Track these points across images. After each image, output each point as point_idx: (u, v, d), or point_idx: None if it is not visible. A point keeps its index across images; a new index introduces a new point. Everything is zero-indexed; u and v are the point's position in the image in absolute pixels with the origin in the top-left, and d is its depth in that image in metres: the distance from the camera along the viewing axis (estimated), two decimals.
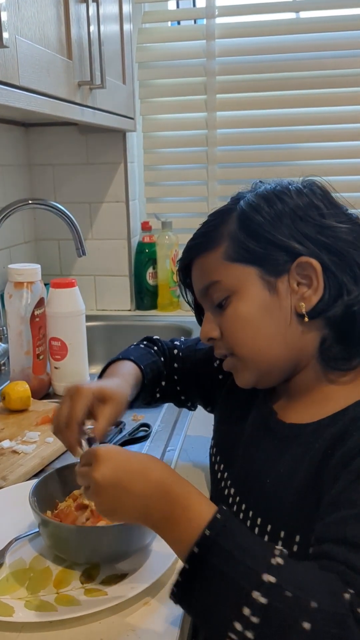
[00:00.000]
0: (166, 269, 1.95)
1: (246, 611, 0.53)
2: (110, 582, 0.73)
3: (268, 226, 0.72)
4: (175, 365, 1.00)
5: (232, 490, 0.79)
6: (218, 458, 0.87)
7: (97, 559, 0.75)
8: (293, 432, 0.74)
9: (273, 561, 0.55)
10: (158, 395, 1.00)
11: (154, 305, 2.00)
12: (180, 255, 1.98)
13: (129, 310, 2.00)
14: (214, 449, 0.89)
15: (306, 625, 0.51)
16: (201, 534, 0.57)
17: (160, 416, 1.22)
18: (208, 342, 0.79)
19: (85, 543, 0.74)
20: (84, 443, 0.78)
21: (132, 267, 1.98)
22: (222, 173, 2.00)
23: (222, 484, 0.83)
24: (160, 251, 1.95)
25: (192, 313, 2.02)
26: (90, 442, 0.78)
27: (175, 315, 1.94)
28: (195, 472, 0.98)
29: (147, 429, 1.16)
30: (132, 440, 1.12)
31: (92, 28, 1.30)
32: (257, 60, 1.89)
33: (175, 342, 1.04)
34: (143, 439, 1.13)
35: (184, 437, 1.12)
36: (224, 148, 1.98)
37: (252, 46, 1.88)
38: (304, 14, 1.88)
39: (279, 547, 0.58)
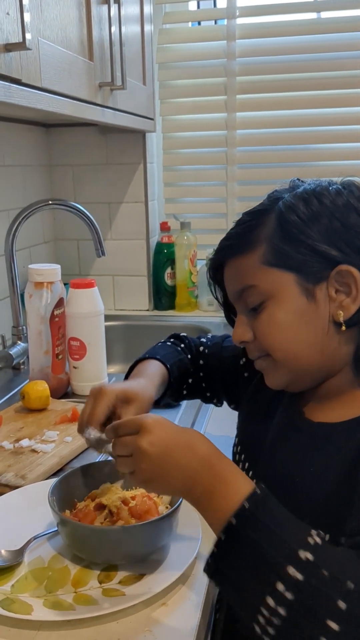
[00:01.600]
0: (184, 270, 1.95)
1: (280, 587, 0.53)
2: (128, 582, 0.73)
3: (306, 231, 0.70)
4: (201, 362, 1.00)
5: None
6: (243, 456, 0.86)
7: (115, 559, 0.76)
8: (323, 431, 0.73)
9: (310, 540, 0.55)
10: (185, 392, 1.01)
11: (171, 306, 2.01)
12: (198, 255, 1.98)
13: (147, 310, 2.00)
14: (238, 447, 0.88)
15: (341, 605, 0.51)
16: (240, 506, 0.57)
17: (178, 416, 1.22)
18: (240, 344, 0.79)
19: (104, 543, 0.74)
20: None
21: (150, 267, 1.99)
22: (242, 174, 1.99)
23: None
24: (178, 251, 1.95)
25: (210, 313, 2.01)
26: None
27: (193, 316, 1.94)
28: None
29: None
30: None
31: (113, 29, 1.31)
32: (277, 60, 1.88)
33: (202, 339, 1.04)
34: None
35: None
36: (243, 149, 1.98)
37: (273, 46, 1.88)
38: (325, 14, 1.88)
39: (314, 530, 0.58)
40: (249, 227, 0.75)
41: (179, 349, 1.01)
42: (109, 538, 0.74)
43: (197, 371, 1.00)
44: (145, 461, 0.64)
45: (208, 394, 1.02)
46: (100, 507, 0.80)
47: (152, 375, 0.92)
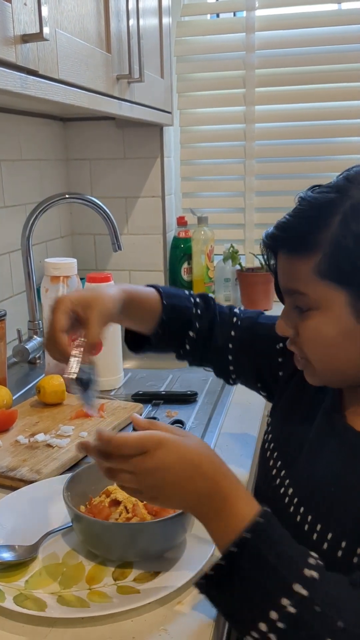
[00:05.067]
0: (201, 265, 1.94)
1: (273, 615, 0.56)
2: (143, 579, 0.72)
3: None
4: (233, 333, 0.96)
5: (290, 491, 0.77)
6: (275, 454, 0.83)
7: (130, 556, 0.75)
8: None
9: (307, 573, 0.57)
10: (188, 347, 0.97)
11: None
12: (215, 250, 1.96)
13: None
14: (271, 444, 0.85)
15: None
16: (240, 535, 0.58)
17: (194, 413, 1.22)
18: (282, 335, 0.76)
19: (118, 540, 0.74)
20: (73, 359, 0.79)
21: (167, 262, 1.97)
22: (260, 168, 1.97)
23: (278, 481, 0.79)
24: (195, 246, 1.94)
25: None
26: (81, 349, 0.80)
27: None
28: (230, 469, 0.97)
29: (180, 425, 1.15)
30: None
31: (131, 22, 1.30)
32: (297, 52, 1.86)
33: (235, 310, 0.99)
34: None
35: (219, 434, 1.11)
36: (262, 142, 1.96)
37: (293, 38, 1.85)
38: (345, 5, 1.84)
39: (314, 555, 0.59)
40: (309, 225, 0.68)
41: (192, 301, 0.97)
42: (124, 534, 0.73)
43: (226, 342, 0.96)
44: (152, 481, 0.63)
45: (230, 368, 0.97)
46: (116, 503, 0.80)
47: (130, 288, 0.90)
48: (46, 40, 0.88)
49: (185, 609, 0.68)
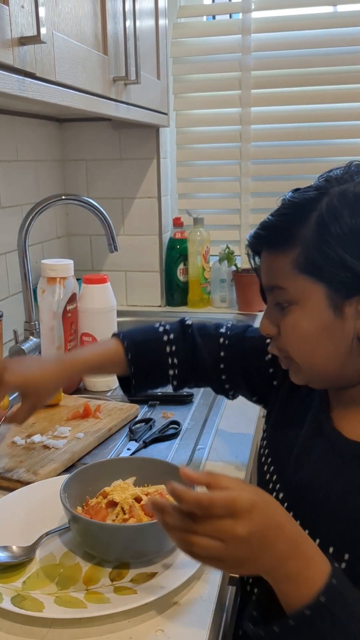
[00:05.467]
0: (197, 266, 1.94)
1: None
2: (140, 580, 0.72)
3: (346, 247, 0.66)
4: (222, 354, 0.97)
5: (281, 495, 0.77)
6: (269, 460, 0.84)
7: (127, 557, 0.75)
8: (353, 451, 0.72)
9: None
10: (175, 382, 0.98)
11: (184, 302, 2.00)
12: (211, 251, 1.97)
13: (159, 306, 2.00)
14: (266, 450, 0.86)
15: None
16: (316, 599, 0.57)
17: (190, 414, 1.22)
18: (265, 335, 0.77)
19: (115, 541, 0.74)
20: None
21: (163, 263, 1.98)
22: (256, 169, 1.98)
23: (270, 485, 0.80)
24: (191, 247, 1.94)
25: (222, 310, 2.00)
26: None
27: (205, 312, 1.93)
28: (225, 471, 0.97)
29: (176, 426, 1.16)
30: (162, 438, 1.12)
31: (128, 23, 1.30)
32: (293, 54, 1.86)
33: (221, 330, 0.99)
34: (173, 436, 1.12)
35: (214, 436, 1.11)
36: (257, 144, 1.96)
37: (289, 40, 1.86)
38: (341, 8, 1.85)
39: None
40: (288, 222, 0.70)
41: (164, 339, 0.97)
42: (121, 536, 0.74)
43: (217, 363, 0.97)
44: (242, 549, 0.57)
45: (226, 386, 0.99)
46: (113, 504, 0.80)
47: (82, 359, 0.95)
48: (43, 42, 0.88)
49: (181, 610, 0.69)
